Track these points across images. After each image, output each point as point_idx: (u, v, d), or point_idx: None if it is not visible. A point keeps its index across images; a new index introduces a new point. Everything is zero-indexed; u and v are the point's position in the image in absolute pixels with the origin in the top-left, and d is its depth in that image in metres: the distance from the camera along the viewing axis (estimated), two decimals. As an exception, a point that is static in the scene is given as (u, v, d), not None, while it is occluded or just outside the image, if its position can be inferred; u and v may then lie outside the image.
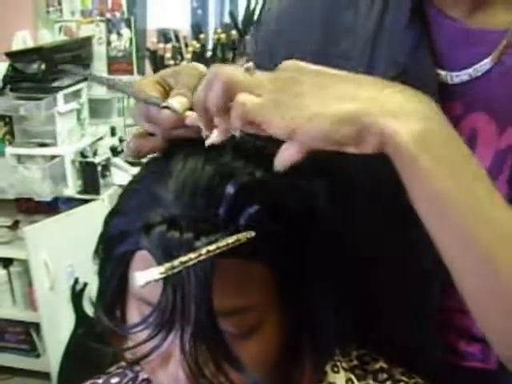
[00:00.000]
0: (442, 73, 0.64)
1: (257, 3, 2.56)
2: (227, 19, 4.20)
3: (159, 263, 0.51)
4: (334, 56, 0.69)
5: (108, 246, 0.61)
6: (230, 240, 0.51)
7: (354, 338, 0.70)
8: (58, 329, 2.31)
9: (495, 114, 0.62)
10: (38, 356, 2.63)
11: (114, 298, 0.62)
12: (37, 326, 2.52)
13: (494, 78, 0.62)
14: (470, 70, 0.63)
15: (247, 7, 2.58)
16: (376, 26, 0.68)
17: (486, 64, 0.62)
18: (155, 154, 0.63)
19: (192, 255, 0.50)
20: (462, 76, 0.63)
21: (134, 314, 0.59)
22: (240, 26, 2.51)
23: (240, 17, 2.62)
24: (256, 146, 0.58)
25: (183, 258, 0.50)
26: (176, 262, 0.50)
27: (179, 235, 0.52)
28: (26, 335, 2.64)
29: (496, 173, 0.62)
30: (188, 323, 0.52)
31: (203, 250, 0.50)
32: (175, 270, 0.50)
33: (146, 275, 0.49)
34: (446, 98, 0.63)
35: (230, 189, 0.53)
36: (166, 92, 0.60)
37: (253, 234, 0.52)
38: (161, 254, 0.51)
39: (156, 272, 0.49)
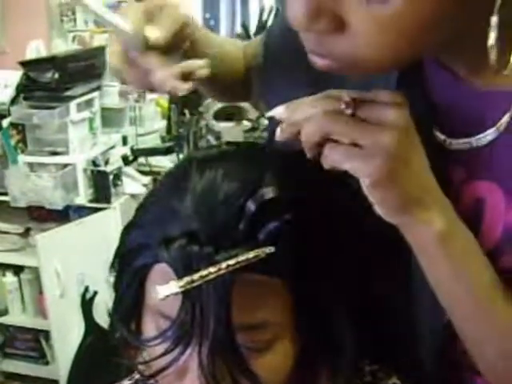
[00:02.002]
0: (441, 137, 0.59)
1: (269, 14, 2.57)
2: (239, 29, 4.22)
3: (179, 277, 0.51)
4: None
5: (125, 258, 0.61)
6: (250, 255, 0.51)
7: (367, 353, 0.69)
8: (67, 337, 2.32)
9: (502, 183, 0.57)
10: (47, 363, 2.63)
11: (130, 310, 0.62)
12: (46, 334, 2.53)
13: (500, 146, 0.56)
14: (471, 139, 0.57)
15: (259, 18, 2.59)
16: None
17: (490, 134, 0.56)
18: (172, 168, 0.63)
19: (212, 269, 0.50)
20: (463, 144, 0.58)
21: (150, 327, 0.59)
22: (252, 36, 2.52)
23: (252, 27, 2.63)
24: (278, 162, 0.58)
25: (203, 272, 0.50)
26: (196, 276, 0.50)
27: (199, 249, 0.52)
28: (35, 342, 2.64)
29: (507, 247, 0.58)
30: (206, 337, 0.52)
31: (223, 265, 0.50)
32: (194, 284, 0.50)
33: (165, 289, 0.50)
34: (447, 161, 0.59)
35: (251, 205, 0.53)
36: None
37: (272, 249, 0.52)
38: (181, 268, 0.52)
39: (175, 286, 0.50)
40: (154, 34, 0.62)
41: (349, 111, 0.51)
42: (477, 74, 0.56)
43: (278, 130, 0.54)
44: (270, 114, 0.54)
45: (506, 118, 0.55)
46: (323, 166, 0.53)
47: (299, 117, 0.52)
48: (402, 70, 0.58)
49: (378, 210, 0.53)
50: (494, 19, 0.46)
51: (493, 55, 0.48)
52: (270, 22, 2.57)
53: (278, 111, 0.54)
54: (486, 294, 0.55)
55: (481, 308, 0.55)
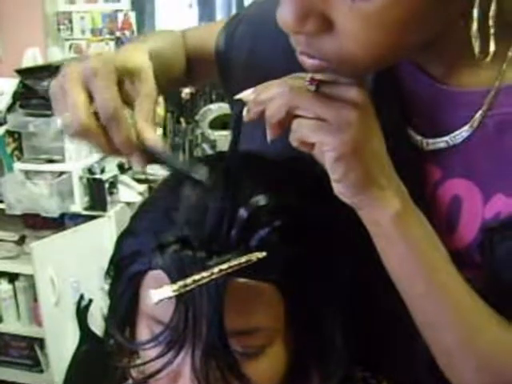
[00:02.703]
0: (417, 138, 0.60)
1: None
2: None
3: (173, 282, 0.52)
4: None
5: (120, 265, 0.62)
6: (242, 260, 0.52)
7: (359, 360, 0.70)
8: (62, 344, 2.31)
9: (478, 180, 0.58)
10: (41, 371, 2.63)
11: (125, 316, 0.63)
12: (41, 342, 2.52)
13: (475, 143, 0.58)
14: (446, 138, 0.59)
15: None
16: None
17: (465, 131, 0.58)
18: (166, 176, 0.64)
19: (204, 274, 0.51)
20: (438, 144, 0.59)
21: (144, 332, 0.60)
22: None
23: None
24: (268, 169, 0.59)
25: (196, 277, 0.51)
26: (189, 280, 0.51)
27: (192, 254, 0.53)
28: (30, 350, 2.64)
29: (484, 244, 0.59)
30: (199, 341, 0.53)
31: (215, 269, 0.51)
32: (188, 288, 0.51)
33: (159, 293, 0.50)
34: (422, 161, 0.61)
35: (243, 211, 0.54)
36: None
37: (264, 254, 0.53)
38: (174, 273, 0.53)
39: (169, 290, 0.51)
40: (152, 135, 0.59)
41: (312, 88, 0.52)
42: (451, 75, 0.58)
43: (245, 111, 0.54)
44: (238, 96, 0.55)
45: (478, 115, 0.57)
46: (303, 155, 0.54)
47: (266, 96, 0.53)
48: (377, 72, 0.60)
49: (338, 187, 0.54)
50: (475, 11, 0.48)
51: (476, 46, 0.50)
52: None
53: (246, 93, 0.55)
54: (443, 276, 0.56)
55: (437, 289, 0.56)
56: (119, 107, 0.56)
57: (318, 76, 0.53)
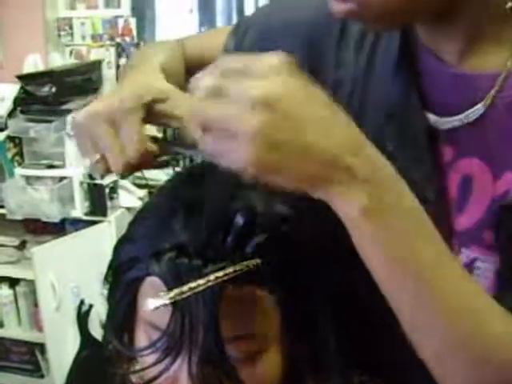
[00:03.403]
0: (432, 118, 0.63)
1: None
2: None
3: (169, 289, 0.53)
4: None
5: (118, 271, 0.63)
6: (238, 267, 0.53)
7: (356, 364, 0.71)
8: (62, 350, 2.32)
9: (489, 159, 0.60)
10: (42, 376, 2.63)
11: (123, 322, 0.64)
12: (42, 347, 2.53)
13: (487, 122, 0.60)
14: (461, 116, 0.61)
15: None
16: (366, 66, 0.68)
17: (478, 109, 0.60)
18: (163, 183, 0.65)
19: (200, 281, 0.52)
20: (453, 122, 0.62)
21: (141, 338, 0.61)
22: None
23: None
24: None
25: (192, 284, 0.52)
26: (185, 288, 0.51)
27: (188, 262, 0.53)
28: (30, 355, 2.65)
29: (494, 221, 0.60)
30: (195, 347, 0.54)
31: (211, 277, 0.52)
32: (184, 296, 0.52)
33: (156, 300, 0.51)
34: (436, 142, 0.63)
35: (239, 219, 0.55)
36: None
37: (259, 261, 0.54)
38: (170, 280, 0.53)
39: (165, 297, 0.51)
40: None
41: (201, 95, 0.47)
42: (463, 59, 0.61)
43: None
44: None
45: (492, 93, 0.59)
46: None
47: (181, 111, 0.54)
48: (398, 60, 0.65)
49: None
50: None
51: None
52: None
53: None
54: (430, 273, 0.50)
55: (423, 290, 0.50)
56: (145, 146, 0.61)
57: (229, 63, 0.48)
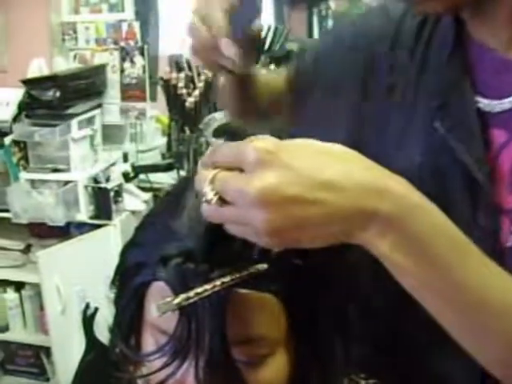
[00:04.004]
0: (484, 101, 0.67)
1: (268, 32, 2.60)
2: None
3: (175, 294, 0.53)
4: (376, 92, 0.76)
5: (124, 276, 0.63)
6: (244, 273, 0.53)
7: (362, 367, 0.71)
8: (68, 353, 2.32)
9: None
10: (47, 380, 2.63)
11: (130, 326, 0.64)
12: (47, 350, 2.53)
13: None
14: (511, 99, 0.65)
15: (259, 36, 2.62)
16: (420, 63, 0.73)
17: None
18: (169, 189, 0.65)
19: (207, 286, 0.52)
20: (505, 104, 0.66)
21: (148, 342, 0.61)
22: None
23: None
24: None
25: (198, 289, 0.52)
26: (191, 293, 0.52)
27: (195, 267, 0.54)
28: (36, 359, 2.65)
29: None
30: (202, 352, 0.54)
31: (218, 282, 0.52)
32: (191, 301, 0.52)
33: (162, 305, 0.51)
34: (487, 125, 0.67)
35: None
36: None
37: (265, 266, 0.54)
38: (177, 285, 0.54)
39: (172, 302, 0.52)
40: None
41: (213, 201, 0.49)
42: (510, 47, 0.67)
43: None
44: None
45: None
46: None
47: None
48: (452, 49, 0.71)
49: None
50: None
51: None
52: (268, 40, 2.59)
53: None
54: (474, 285, 0.50)
55: (467, 306, 0.50)
56: None
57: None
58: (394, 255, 0.48)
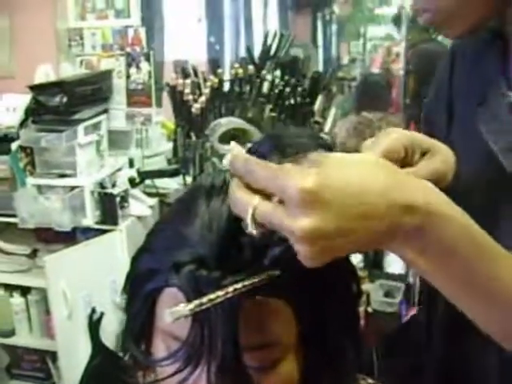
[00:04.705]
0: None
1: (274, 39, 2.61)
2: (242, 53, 4.26)
3: (188, 300, 0.54)
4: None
5: (136, 282, 0.64)
6: (256, 279, 0.54)
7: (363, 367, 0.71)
8: (74, 358, 2.33)
9: None
10: (53, 384, 2.64)
11: (141, 331, 0.65)
12: (53, 355, 2.54)
13: None
14: None
15: (264, 42, 2.62)
16: (468, 83, 0.83)
17: None
18: (181, 194, 0.66)
19: (219, 293, 0.53)
20: None
21: (160, 347, 0.62)
22: (257, 60, 2.55)
23: (256, 52, 2.66)
24: None
25: (211, 296, 0.53)
26: (204, 300, 0.53)
27: (207, 274, 0.54)
28: (42, 363, 2.65)
29: None
30: (214, 357, 0.55)
31: (230, 288, 0.53)
32: (203, 307, 0.53)
33: (175, 311, 0.52)
34: None
35: None
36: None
37: (277, 273, 0.55)
38: (190, 292, 0.54)
39: (185, 309, 0.52)
40: None
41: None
42: None
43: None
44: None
45: None
46: None
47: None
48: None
49: None
50: None
51: None
52: (274, 47, 2.60)
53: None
54: (501, 280, 0.53)
55: (499, 299, 0.54)
56: None
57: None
58: (420, 261, 0.52)
